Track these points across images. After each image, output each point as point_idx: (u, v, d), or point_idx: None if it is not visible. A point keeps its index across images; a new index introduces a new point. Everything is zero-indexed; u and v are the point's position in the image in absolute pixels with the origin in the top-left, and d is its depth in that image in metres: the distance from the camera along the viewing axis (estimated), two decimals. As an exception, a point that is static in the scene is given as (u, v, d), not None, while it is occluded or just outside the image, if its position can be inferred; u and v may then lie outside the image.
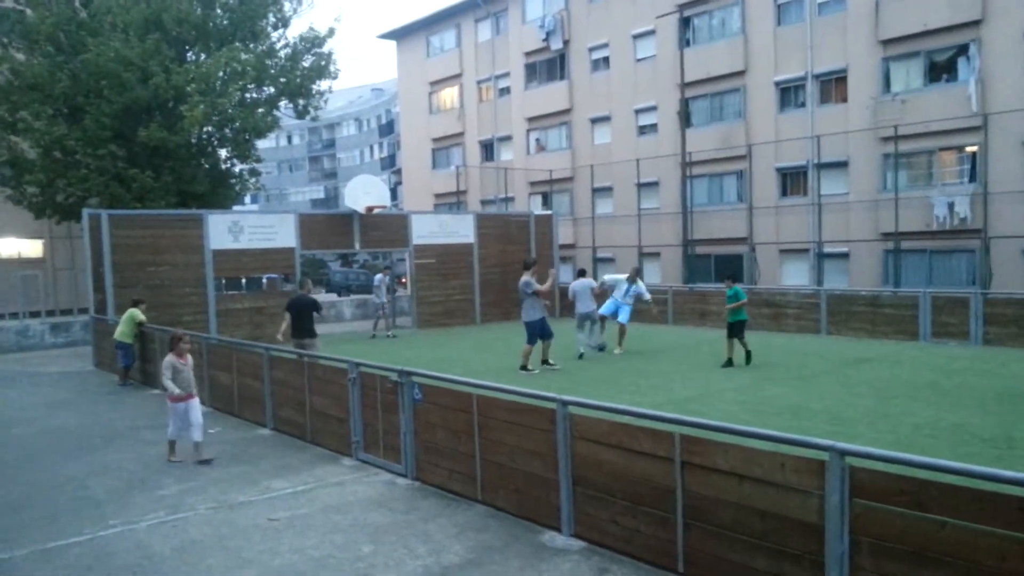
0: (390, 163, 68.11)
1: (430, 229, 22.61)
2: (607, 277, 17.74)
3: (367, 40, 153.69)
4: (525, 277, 13.63)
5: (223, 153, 25.86)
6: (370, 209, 20.85)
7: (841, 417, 9.45)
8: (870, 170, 24.63)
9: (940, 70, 23.46)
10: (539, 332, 13.60)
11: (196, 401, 8.60)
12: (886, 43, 24.10)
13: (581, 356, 15.05)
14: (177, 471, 8.04)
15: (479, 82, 39.86)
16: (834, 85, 25.81)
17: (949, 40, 22.97)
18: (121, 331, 14.07)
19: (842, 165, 25.30)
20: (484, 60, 39.15)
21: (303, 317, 12.12)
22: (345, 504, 6.77)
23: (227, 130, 24.22)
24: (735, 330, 14.00)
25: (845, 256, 25.22)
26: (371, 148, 76.10)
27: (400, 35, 44.43)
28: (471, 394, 6.66)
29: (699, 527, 4.96)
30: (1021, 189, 21.37)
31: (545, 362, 13.82)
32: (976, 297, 16.31)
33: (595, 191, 32.64)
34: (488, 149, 39.83)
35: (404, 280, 24.30)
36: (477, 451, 6.60)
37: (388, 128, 70.59)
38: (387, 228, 21.98)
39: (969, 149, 22.75)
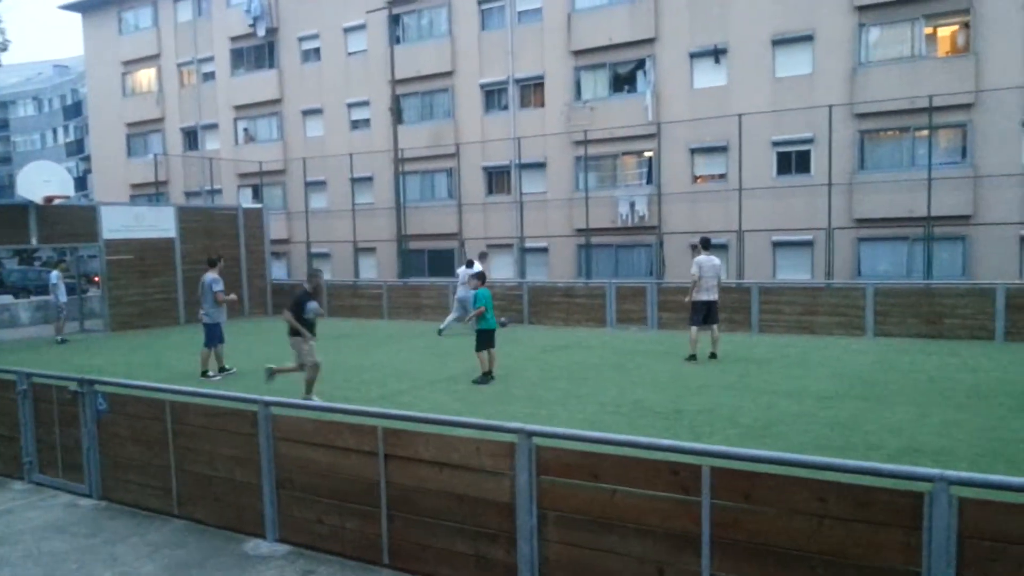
0: (78, 149, 61.25)
1: (124, 222, 20.65)
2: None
3: (47, 11, 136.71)
4: (212, 275, 13.00)
5: None
6: (49, 200, 18.60)
7: (540, 400, 10.17)
8: (565, 171, 26.71)
9: (623, 81, 26.04)
10: (219, 335, 12.90)
11: None
12: (577, 54, 26.24)
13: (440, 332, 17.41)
14: None
15: (180, 65, 37.19)
16: (533, 90, 27.59)
17: (630, 55, 25.57)
18: None
19: (541, 166, 27.17)
20: (185, 42, 36.57)
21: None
22: (14, 534, 6.00)
23: None
24: (483, 340, 11.70)
25: (545, 250, 27.11)
26: (54, 131, 67.94)
27: (86, 8, 40.06)
28: (164, 400, 6.23)
29: (403, 517, 5.08)
30: (687, 191, 24.42)
31: (223, 368, 13.01)
32: (652, 286, 18.38)
33: (308, 185, 31.93)
34: (192, 137, 37.31)
35: (96, 279, 21.98)
36: (172, 462, 6.19)
37: (75, 110, 63.39)
38: (71, 221, 19.72)
39: (647, 154, 25.53)
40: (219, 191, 35.17)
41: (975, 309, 14.94)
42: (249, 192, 34.81)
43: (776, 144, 23.25)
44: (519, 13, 27.51)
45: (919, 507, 3.56)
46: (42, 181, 18.71)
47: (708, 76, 24.42)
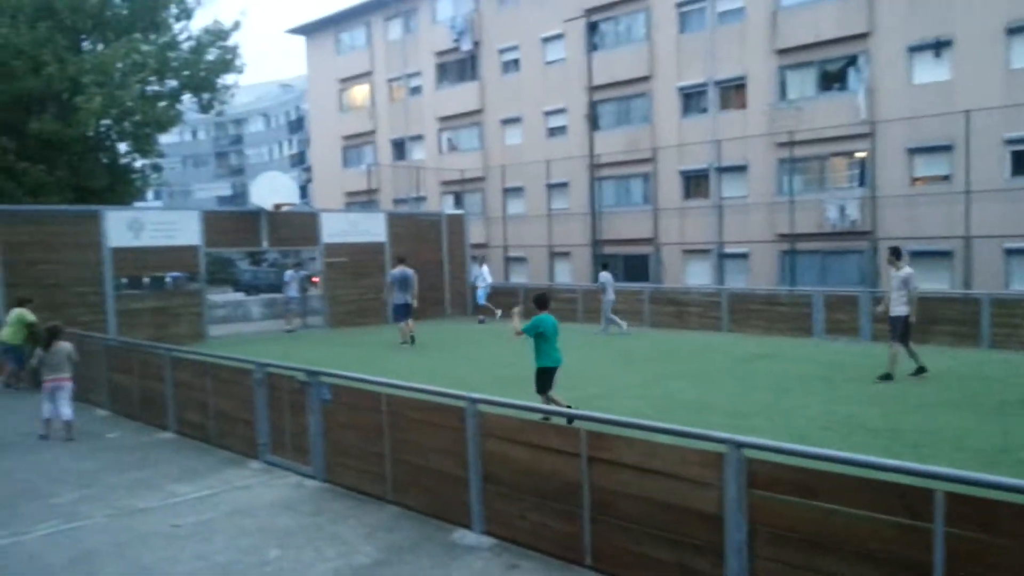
0: (300, 160, 66.81)
1: (341, 228, 22.30)
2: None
3: (275, 35, 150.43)
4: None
5: (123, 147, 24.85)
6: (278, 207, 20.44)
7: (740, 411, 9.82)
8: (767, 174, 25.63)
9: (832, 79, 24.63)
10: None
11: (66, 384, 9.56)
12: (782, 52, 25.13)
13: None
14: (73, 478, 7.72)
15: (390, 80, 39.57)
16: (734, 92, 26.75)
17: (840, 51, 24.14)
18: (8, 332, 13.33)
19: (741, 169, 26.26)
20: (395, 59, 38.87)
21: None
22: (252, 508, 6.64)
23: (127, 123, 23.28)
24: (544, 380, 9.24)
25: (745, 256, 26.17)
26: (280, 145, 74.55)
27: (310, 31, 43.67)
28: (380, 393, 6.65)
29: (605, 520, 5.09)
30: (905, 194, 22.65)
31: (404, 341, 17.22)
32: (865, 295, 17.21)
33: (506, 191, 32.89)
34: (400, 148, 39.59)
35: (316, 279, 23.98)
36: (387, 451, 6.59)
37: (297, 125, 69.22)
38: (296, 226, 21.55)
39: (859, 155, 23.96)
40: (424, 198, 37.05)
41: None
42: (451, 199, 36.37)
43: (1009, 142, 21.01)
44: (719, 14, 26.78)
45: None
46: (271, 190, 20.63)
47: (929, 71, 22.52)
